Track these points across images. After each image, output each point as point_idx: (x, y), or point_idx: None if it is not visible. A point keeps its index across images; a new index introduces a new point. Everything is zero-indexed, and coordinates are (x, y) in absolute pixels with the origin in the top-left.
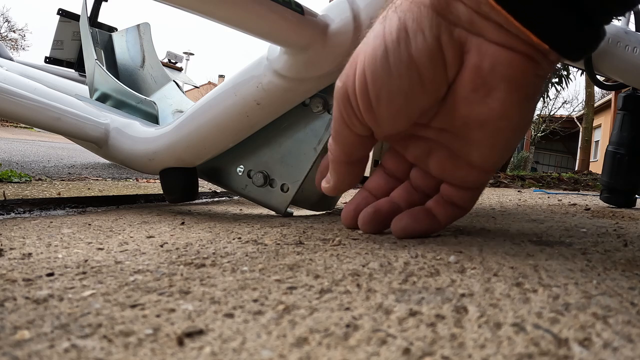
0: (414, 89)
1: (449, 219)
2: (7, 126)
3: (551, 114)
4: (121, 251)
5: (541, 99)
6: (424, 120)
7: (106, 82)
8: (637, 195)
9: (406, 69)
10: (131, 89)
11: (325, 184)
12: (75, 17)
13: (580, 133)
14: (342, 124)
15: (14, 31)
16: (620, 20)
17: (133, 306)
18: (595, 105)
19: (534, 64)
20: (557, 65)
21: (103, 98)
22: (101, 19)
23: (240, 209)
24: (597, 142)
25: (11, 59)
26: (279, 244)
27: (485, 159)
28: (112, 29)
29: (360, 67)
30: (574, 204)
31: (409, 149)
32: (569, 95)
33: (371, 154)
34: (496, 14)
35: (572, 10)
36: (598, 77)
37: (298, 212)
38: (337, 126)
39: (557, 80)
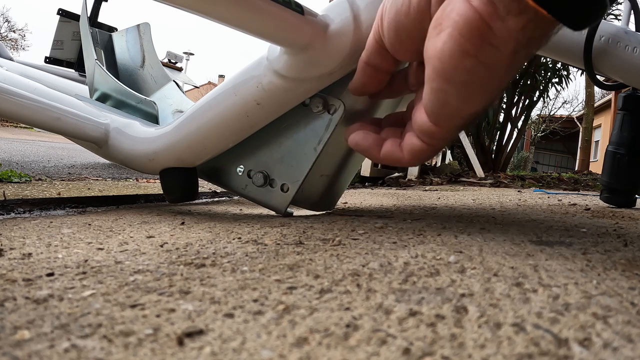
0: (401, 10)
1: (387, 154)
2: (7, 126)
3: (551, 114)
4: (121, 251)
5: (541, 99)
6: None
7: (106, 82)
8: (637, 195)
9: (405, 12)
10: (131, 89)
11: (350, 83)
12: (75, 17)
13: (580, 133)
14: (372, 35)
15: (14, 31)
16: (620, 20)
17: (133, 306)
18: (595, 105)
19: (485, 25)
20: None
21: (103, 98)
22: (101, 19)
23: (240, 209)
24: (597, 142)
25: (11, 59)
26: (279, 244)
27: (427, 102)
28: (112, 29)
29: (382, 7)
30: (574, 204)
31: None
32: (569, 95)
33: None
34: None
35: None
36: (598, 77)
37: (298, 212)
38: (369, 36)
39: (557, 80)
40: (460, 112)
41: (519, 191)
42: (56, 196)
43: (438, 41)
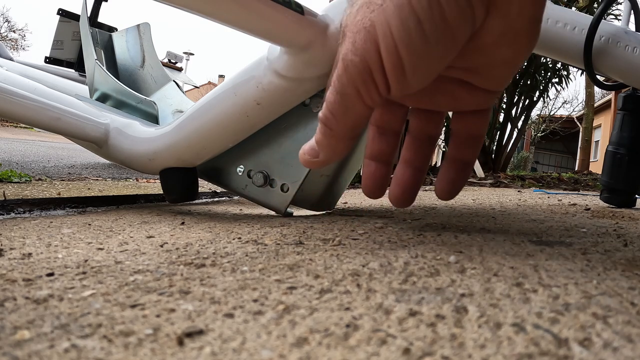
0: (449, 51)
1: (475, 153)
2: (7, 126)
3: (551, 114)
4: (121, 251)
5: (541, 99)
6: None
7: (106, 82)
8: (637, 195)
9: (442, 35)
10: (131, 89)
11: (311, 158)
12: (75, 17)
13: (580, 133)
14: (357, 100)
15: (14, 31)
16: (621, 20)
17: (133, 306)
18: (595, 105)
19: None
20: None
21: (103, 98)
22: (101, 19)
23: (240, 209)
24: (597, 142)
25: (11, 59)
26: (279, 244)
27: (502, 84)
28: (112, 29)
29: (389, 41)
30: (574, 204)
31: (412, 94)
32: (569, 95)
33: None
34: None
35: None
36: (598, 77)
37: (298, 212)
38: (348, 103)
39: (557, 80)
40: None
41: (519, 191)
42: (56, 196)
43: (520, 43)
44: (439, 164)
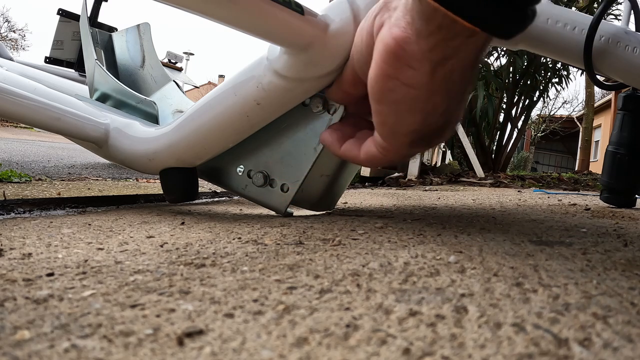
0: (359, 50)
1: (344, 152)
2: (7, 126)
3: (551, 114)
4: (121, 251)
5: (541, 99)
6: None
7: (106, 82)
8: (637, 195)
9: (366, 46)
10: (131, 89)
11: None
12: (75, 17)
13: (580, 133)
14: (348, 66)
15: (14, 31)
16: (621, 20)
17: (133, 306)
18: (595, 105)
19: (400, 49)
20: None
21: (103, 98)
22: (101, 19)
23: (240, 209)
24: (597, 142)
25: (11, 59)
26: (279, 244)
27: (374, 121)
28: (112, 29)
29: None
30: (574, 204)
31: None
32: (569, 95)
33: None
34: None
35: None
36: (598, 77)
37: (298, 212)
38: (345, 68)
39: (557, 80)
40: (398, 129)
41: (519, 191)
42: (56, 196)
43: (370, 69)
44: (439, 163)
